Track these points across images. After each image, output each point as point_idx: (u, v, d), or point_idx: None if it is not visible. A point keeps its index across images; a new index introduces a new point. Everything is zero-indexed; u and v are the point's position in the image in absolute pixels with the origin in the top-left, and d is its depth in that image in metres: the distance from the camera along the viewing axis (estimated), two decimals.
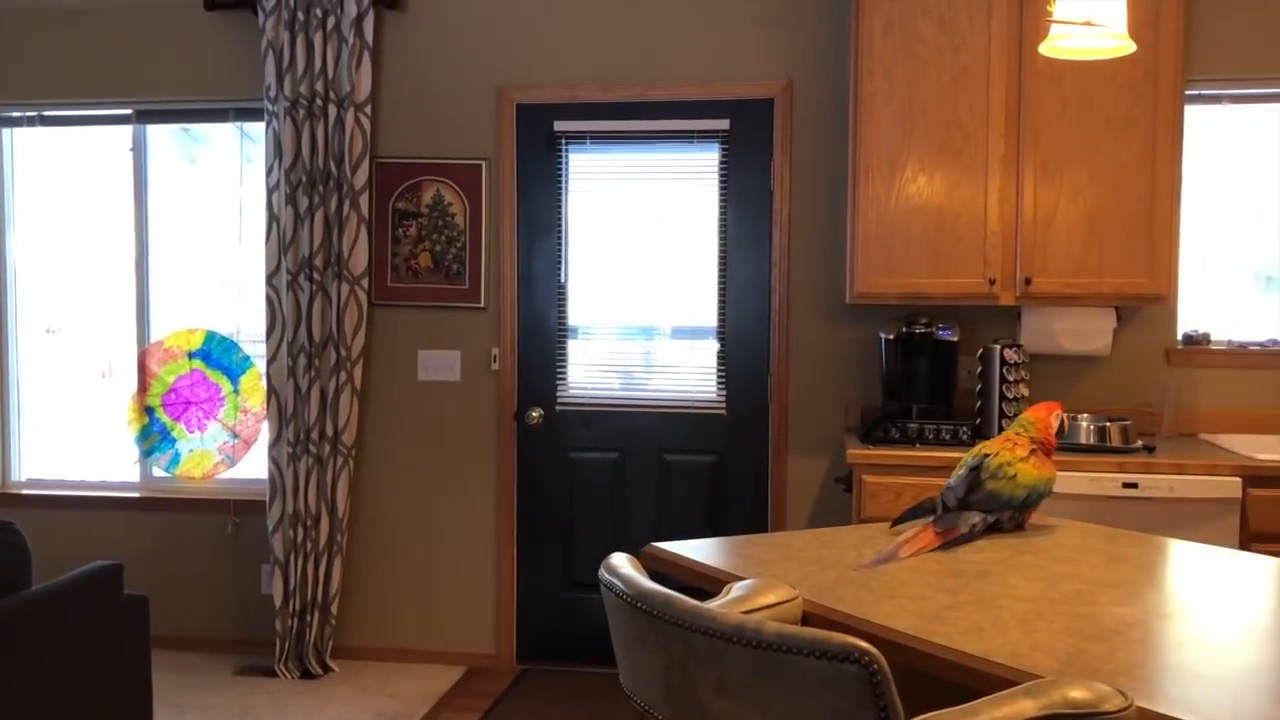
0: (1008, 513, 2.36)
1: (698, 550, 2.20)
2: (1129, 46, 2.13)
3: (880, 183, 3.82)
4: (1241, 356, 4.04)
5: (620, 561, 1.57)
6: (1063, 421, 2.48)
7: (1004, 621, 1.76)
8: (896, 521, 2.41)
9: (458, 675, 4.37)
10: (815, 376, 4.23)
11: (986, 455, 2.35)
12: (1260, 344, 4.07)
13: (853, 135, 3.86)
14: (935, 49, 3.77)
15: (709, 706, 1.36)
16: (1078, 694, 1.35)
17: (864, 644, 1.22)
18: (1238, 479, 3.40)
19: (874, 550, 2.22)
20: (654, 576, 1.80)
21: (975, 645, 1.64)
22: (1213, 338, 4.09)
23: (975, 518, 2.33)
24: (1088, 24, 1.97)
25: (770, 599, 1.78)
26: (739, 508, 4.32)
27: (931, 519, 2.33)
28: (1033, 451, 2.37)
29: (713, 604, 1.70)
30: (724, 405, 4.32)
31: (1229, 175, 4.14)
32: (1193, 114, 4.03)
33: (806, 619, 1.84)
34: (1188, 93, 3.94)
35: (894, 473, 3.58)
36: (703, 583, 2.09)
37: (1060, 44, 2.12)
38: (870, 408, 4.09)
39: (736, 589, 1.81)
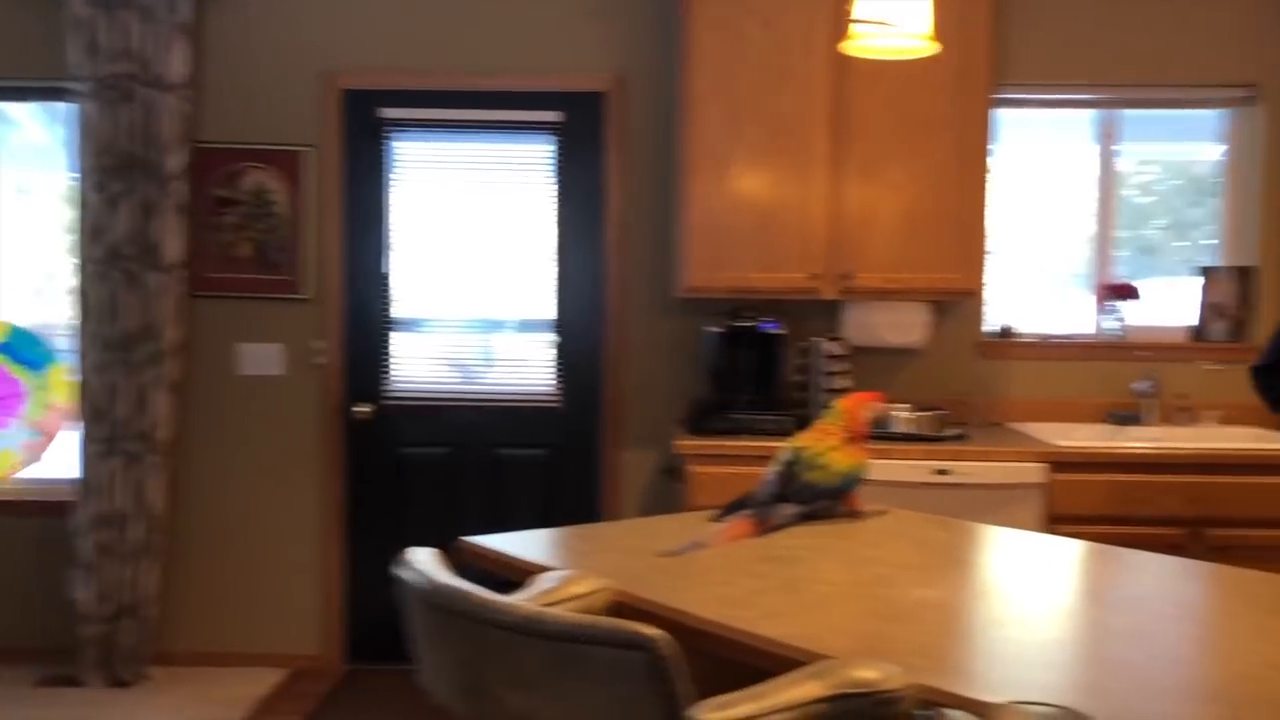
0: (823, 501, 2.42)
1: (512, 543, 2.18)
2: (931, 47, 2.21)
3: (708, 179, 3.87)
4: (1047, 349, 4.25)
5: (417, 556, 1.54)
6: (877, 411, 2.54)
7: (806, 605, 1.80)
8: (719, 517, 2.43)
9: (283, 678, 4.23)
10: (648, 369, 4.26)
11: (800, 448, 2.41)
12: (1064, 337, 4.29)
13: (681, 131, 3.90)
14: (761, 48, 3.84)
15: (503, 699, 1.35)
16: (863, 674, 1.39)
17: (650, 631, 1.22)
18: (1042, 464, 3.58)
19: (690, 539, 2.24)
20: (472, 572, 1.77)
21: (774, 629, 1.67)
22: (1022, 331, 4.29)
23: (790, 509, 2.38)
24: (883, 24, 2.03)
25: (578, 590, 1.77)
26: (573, 501, 4.31)
27: (748, 512, 2.37)
28: (844, 441, 2.44)
29: (518, 596, 1.68)
30: (560, 399, 4.30)
31: (1041, 176, 4.36)
32: (1006, 117, 4.22)
33: (616, 609, 1.84)
34: (998, 96, 4.12)
35: (721, 463, 3.63)
36: (518, 576, 2.07)
37: (860, 43, 2.18)
38: (701, 400, 4.14)
39: (545, 581, 1.80)
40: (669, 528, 2.37)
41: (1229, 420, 4.13)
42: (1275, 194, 4.17)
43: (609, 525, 2.39)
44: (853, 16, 2.09)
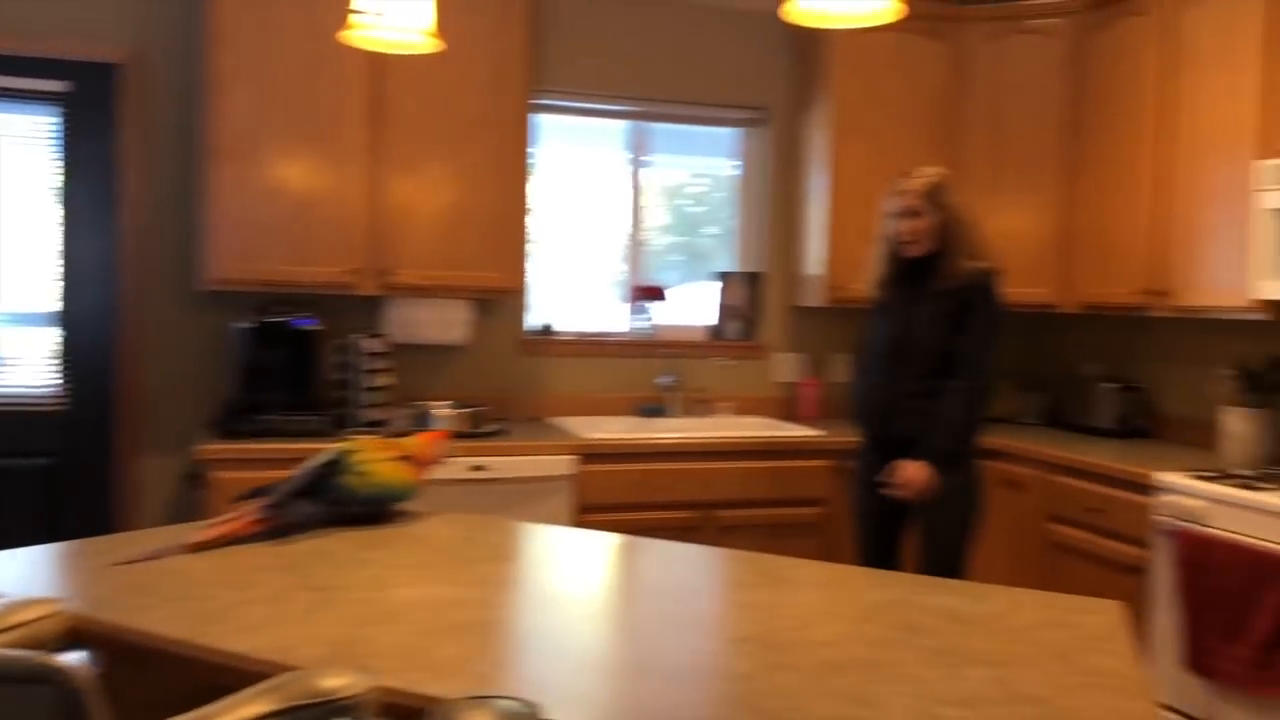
0: (354, 509, 2.36)
1: None
2: (432, 44, 2.21)
3: (237, 165, 3.65)
4: (585, 346, 4.44)
5: None
6: (446, 452, 2.52)
7: (288, 614, 1.73)
8: (241, 499, 2.30)
9: None
10: (172, 367, 3.95)
11: (348, 451, 2.34)
12: (601, 334, 4.51)
13: (206, 114, 3.65)
14: (296, 33, 3.68)
15: None
16: (323, 682, 1.34)
17: (58, 662, 1.10)
18: (572, 457, 3.72)
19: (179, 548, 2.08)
20: None
21: (246, 642, 1.58)
22: (562, 329, 4.45)
23: (309, 508, 2.29)
24: (380, 15, 2.00)
25: (22, 617, 1.58)
26: (83, 515, 3.89)
27: (256, 506, 2.25)
28: (401, 458, 2.40)
29: None
30: (65, 401, 3.87)
31: (584, 182, 4.54)
32: (552, 123, 4.35)
33: (73, 634, 1.66)
34: (536, 101, 4.25)
35: (249, 467, 3.43)
36: None
37: (359, 33, 2.14)
38: (232, 400, 3.91)
39: None
40: (155, 540, 2.19)
41: (741, 411, 4.55)
42: (780, 207, 4.64)
43: (88, 541, 2.17)
44: (351, 5, 2.04)
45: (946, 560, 3.15)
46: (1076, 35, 4.26)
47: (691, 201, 4.82)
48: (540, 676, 1.51)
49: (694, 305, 4.70)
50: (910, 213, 3.18)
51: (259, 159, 3.67)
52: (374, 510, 2.41)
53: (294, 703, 1.31)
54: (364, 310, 4.07)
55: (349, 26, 2.11)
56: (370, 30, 2.08)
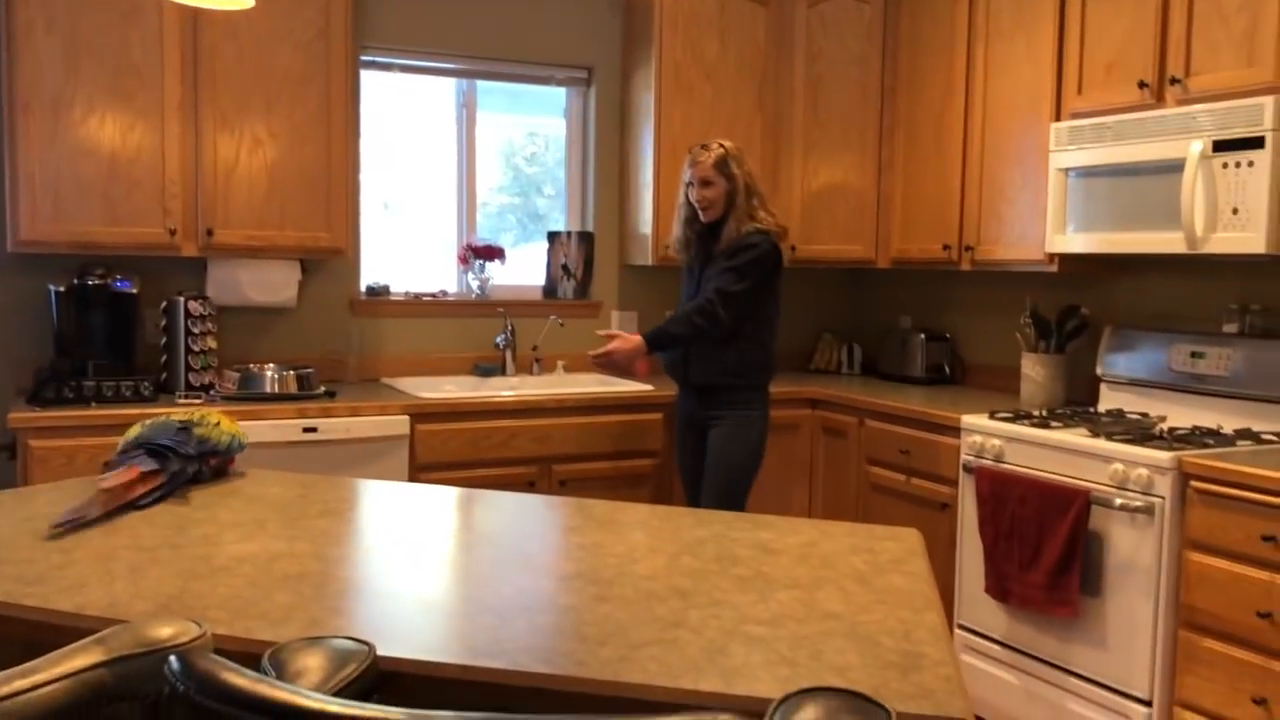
0: (213, 460, 2.45)
1: None
2: (245, 2, 2.18)
3: (43, 121, 3.49)
4: (420, 306, 4.43)
5: None
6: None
7: (114, 573, 1.72)
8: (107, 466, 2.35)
9: None
10: None
11: (185, 418, 2.43)
12: (435, 294, 4.50)
13: (6, 67, 3.47)
14: None
15: None
16: (153, 632, 1.36)
17: None
18: (406, 417, 3.73)
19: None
20: None
21: (71, 601, 1.58)
22: (396, 289, 4.43)
23: (175, 465, 2.34)
24: None
25: None
26: None
27: (140, 462, 2.27)
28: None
29: None
30: None
31: (419, 140, 4.51)
32: (371, 79, 4.30)
33: None
34: (363, 58, 4.19)
35: (66, 435, 3.32)
36: None
37: None
38: (47, 366, 3.75)
39: None
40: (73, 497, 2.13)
41: (572, 368, 4.62)
42: (609, 167, 4.72)
43: None
44: None
45: (725, 495, 3.44)
46: (890, 1, 4.46)
47: (527, 161, 4.84)
48: (373, 619, 1.56)
49: (532, 265, 4.74)
50: (703, 182, 3.52)
51: (69, 114, 3.52)
52: (226, 462, 2.50)
53: (123, 653, 1.32)
54: (187, 272, 3.96)
55: None
56: None
